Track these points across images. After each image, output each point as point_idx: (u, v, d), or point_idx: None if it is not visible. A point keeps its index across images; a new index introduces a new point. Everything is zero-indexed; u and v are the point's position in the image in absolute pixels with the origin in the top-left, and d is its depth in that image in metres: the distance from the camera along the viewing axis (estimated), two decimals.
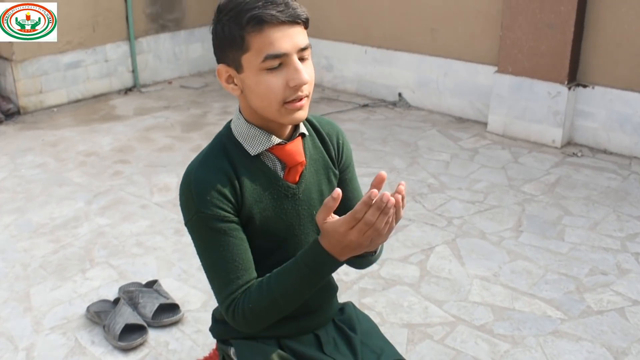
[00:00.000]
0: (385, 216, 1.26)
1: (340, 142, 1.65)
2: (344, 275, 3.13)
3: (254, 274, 1.46)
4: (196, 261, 3.25)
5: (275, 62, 1.36)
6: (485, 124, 5.04)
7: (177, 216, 3.68)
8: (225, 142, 1.50)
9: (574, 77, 4.55)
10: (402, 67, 5.53)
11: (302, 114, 1.44)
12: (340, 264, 1.40)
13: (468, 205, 3.83)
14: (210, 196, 1.42)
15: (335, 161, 1.63)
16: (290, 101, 1.40)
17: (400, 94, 5.62)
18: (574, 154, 4.51)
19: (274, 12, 1.33)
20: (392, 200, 1.24)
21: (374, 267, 3.19)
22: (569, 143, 4.67)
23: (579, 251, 3.30)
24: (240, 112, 1.50)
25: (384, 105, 5.62)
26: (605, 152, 4.53)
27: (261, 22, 1.33)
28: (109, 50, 5.82)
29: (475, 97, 5.13)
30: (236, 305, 1.43)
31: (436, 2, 5.17)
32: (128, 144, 4.80)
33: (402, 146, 4.72)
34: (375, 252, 1.52)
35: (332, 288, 1.75)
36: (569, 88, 4.49)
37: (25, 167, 4.38)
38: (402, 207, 1.30)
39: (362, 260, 1.56)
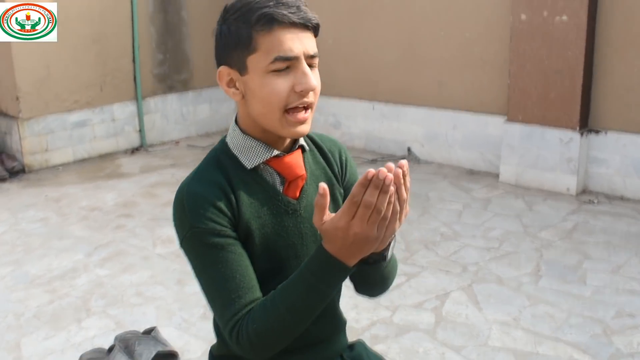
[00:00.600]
0: (386, 195, 1.13)
1: (344, 158, 1.54)
2: (354, 322, 2.96)
3: (258, 294, 1.30)
4: (198, 310, 3.10)
5: (284, 65, 1.27)
6: (497, 175, 4.93)
7: (180, 266, 3.54)
8: (219, 156, 1.38)
9: (586, 123, 4.47)
10: (410, 121, 5.49)
11: (305, 128, 1.34)
12: (350, 269, 1.24)
13: (483, 252, 3.67)
14: (204, 210, 1.29)
15: (339, 177, 1.51)
16: (293, 108, 1.30)
17: (409, 149, 5.55)
18: (590, 201, 4.37)
19: (285, 12, 1.25)
20: (390, 176, 1.12)
21: (386, 314, 3.01)
22: (584, 191, 4.54)
23: (603, 294, 3.12)
24: (236, 123, 1.40)
25: (392, 160, 5.52)
26: (622, 198, 4.38)
27: (271, 21, 1.25)
28: (116, 109, 5.83)
29: (486, 148, 5.04)
30: (240, 327, 1.26)
31: (442, 55, 5.17)
32: (132, 200, 4.72)
33: (412, 197, 4.55)
34: (386, 257, 1.37)
35: (340, 320, 1.59)
36: (581, 134, 4.40)
37: (26, 221, 4.28)
38: (407, 188, 1.17)
39: (375, 271, 1.40)
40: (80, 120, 5.58)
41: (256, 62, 1.28)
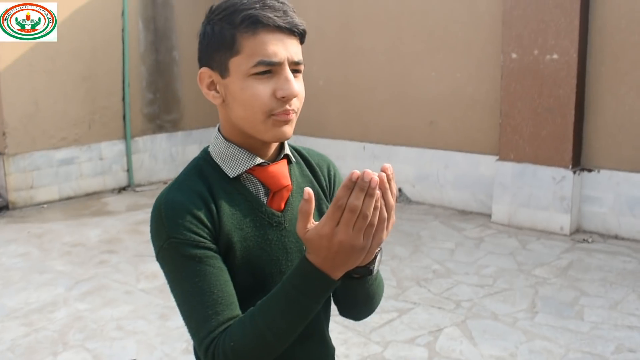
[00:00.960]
0: (372, 199, 1.06)
1: (332, 172, 1.46)
2: (343, 357, 2.83)
3: (237, 311, 1.21)
4: (180, 344, 2.96)
5: (266, 69, 1.22)
6: (489, 216, 4.86)
7: (163, 301, 3.42)
8: (201, 165, 1.31)
9: (578, 161, 4.44)
10: (401, 161, 5.44)
11: (288, 130, 1.27)
12: (334, 282, 1.15)
13: (477, 288, 3.57)
14: (182, 219, 1.21)
15: (326, 192, 1.43)
16: (275, 113, 1.24)
17: (400, 189, 5.49)
18: (584, 240, 4.30)
19: (271, 15, 1.21)
20: (376, 178, 1.05)
21: (377, 349, 2.89)
22: (577, 230, 4.47)
23: (601, 330, 3.02)
24: (219, 131, 1.34)
25: None
26: (616, 237, 4.31)
27: (256, 23, 1.20)
28: (104, 148, 5.76)
29: (478, 188, 4.99)
30: (216, 345, 1.17)
31: (433, 95, 5.17)
32: (117, 236, 4.60)
33: (403, 236, 4.51)
34: (372, 271, 1.27)
35: (328, 346, 1.49)
36: (574, 172, 4.36)
37: (7, 256, 4.16)
38: (393, 193, 1.09)
39: (361, 287, 1.30)
40: (67, 157, 5.50)
41: (238, 64, 1.23)
